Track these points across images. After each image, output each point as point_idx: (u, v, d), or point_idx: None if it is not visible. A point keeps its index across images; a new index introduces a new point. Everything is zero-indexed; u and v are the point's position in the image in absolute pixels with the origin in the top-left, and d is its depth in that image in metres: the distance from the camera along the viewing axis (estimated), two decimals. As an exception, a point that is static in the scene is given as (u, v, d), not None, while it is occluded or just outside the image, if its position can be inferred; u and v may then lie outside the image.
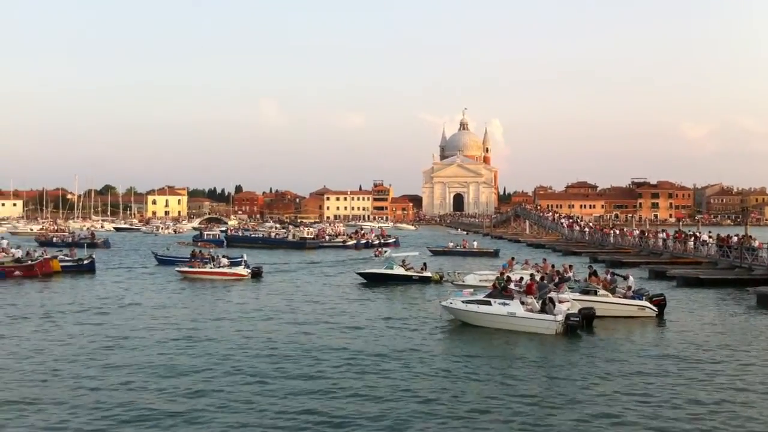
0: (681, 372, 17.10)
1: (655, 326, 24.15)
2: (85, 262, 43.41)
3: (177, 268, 40.66)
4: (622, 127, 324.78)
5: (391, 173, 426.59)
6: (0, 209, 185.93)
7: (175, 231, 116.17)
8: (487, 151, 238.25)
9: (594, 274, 28.73)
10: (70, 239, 73.84)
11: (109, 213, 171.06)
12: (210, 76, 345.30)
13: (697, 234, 47.86)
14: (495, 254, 60.83)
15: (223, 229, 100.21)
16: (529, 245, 75.41)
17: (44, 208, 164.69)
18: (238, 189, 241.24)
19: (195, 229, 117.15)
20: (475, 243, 68.44)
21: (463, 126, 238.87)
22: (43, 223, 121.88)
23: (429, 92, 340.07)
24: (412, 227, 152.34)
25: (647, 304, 25.65)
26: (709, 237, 45.21)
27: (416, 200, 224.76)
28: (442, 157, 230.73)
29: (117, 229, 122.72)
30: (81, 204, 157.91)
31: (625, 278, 28.15)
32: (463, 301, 23.74)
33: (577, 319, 21.99)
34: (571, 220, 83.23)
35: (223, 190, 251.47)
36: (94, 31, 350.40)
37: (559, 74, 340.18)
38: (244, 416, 13.33)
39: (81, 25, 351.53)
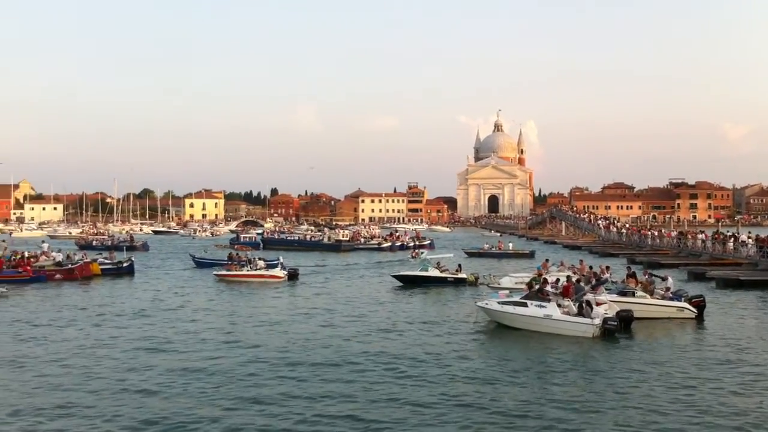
0: (722, 376, 16.83)
1: (695, 328, 23.84)
2: (125, 264, 44.05)
3: (215, 272, 41.08)
4: (660, 127, 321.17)
5: (426, 175, 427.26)
6: (41, 213, 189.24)
7: (212, 234, 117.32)
8: (521, 152, 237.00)
9: (632, 275, 28.47)
10: (109, 242, 74.92)
11: (147, 216, 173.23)
12: (246, 81, 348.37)
13: (737, 235, 47.13)
14: (531, 256, 60.46)
15: (260, 231, 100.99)
16: (565, 247, 74.80)
17: (84, 211, 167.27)
18: (274, 192, 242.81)
19: (232, 231, 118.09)
20: (510, 244, 68.13)
21: (497, 127, 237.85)
22: (83, 226, 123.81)
23: (463, 94, 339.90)
24: (447, 229, 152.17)
25: (686, 305, 25.34)
26: (749, 238, 44.50)
27: (451, 202, 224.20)
28: (477, 158, 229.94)
29: (155, 232, 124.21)
30: (120, 207, 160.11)
31: (664, 279, 27.86)
32: (498, 302, 23.67)
33: (615, 323, 21.75)
34: (607, 222, 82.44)
35: (259, 193, 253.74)
36: (134, 37, 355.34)
37: (595, 74, 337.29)
38: (283, 421, 13.37)
39: (120, 31, 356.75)
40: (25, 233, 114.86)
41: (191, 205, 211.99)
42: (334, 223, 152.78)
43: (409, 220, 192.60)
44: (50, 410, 13.96)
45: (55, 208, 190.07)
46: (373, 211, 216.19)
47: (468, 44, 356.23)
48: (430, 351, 19.60)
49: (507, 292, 25.94)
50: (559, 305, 22.55)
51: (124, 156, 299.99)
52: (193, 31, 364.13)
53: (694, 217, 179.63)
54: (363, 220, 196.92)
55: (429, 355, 18.98)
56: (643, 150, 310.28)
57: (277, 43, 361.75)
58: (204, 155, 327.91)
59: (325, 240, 77.88)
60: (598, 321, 21.56)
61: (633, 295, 25.60)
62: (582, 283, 25.90)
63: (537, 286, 24.45)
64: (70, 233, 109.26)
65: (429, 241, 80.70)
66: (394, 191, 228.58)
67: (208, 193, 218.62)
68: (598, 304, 22.74)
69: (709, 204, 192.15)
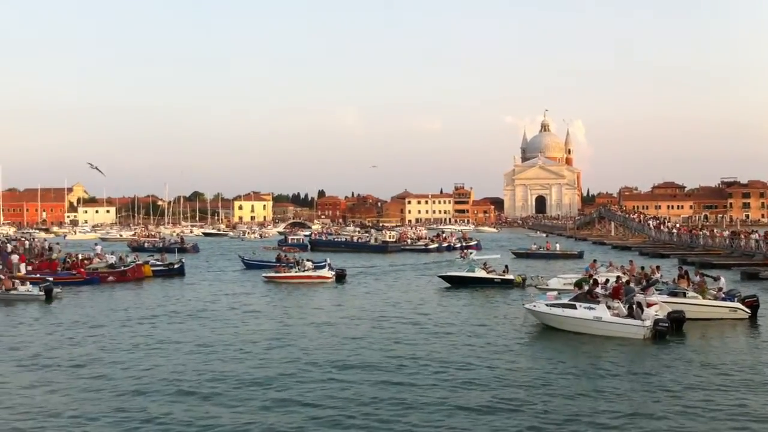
0: (778, 378, 16.48)
1: (748, 329, 23.40)
2: (175, 266, 44.83)
3: (263, 274, 41.56)
4: (711, 126, 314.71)
5: (472, 176, 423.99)
6: (94, 216, 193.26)
7: (260, 235, 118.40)
8: (569, 152, 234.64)
9: (684, 275, 28.05)
10: (160, 244, 76.04)
11: (197, 218, 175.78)
12: (292, 84, 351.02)
13: (792, 234, 46.12)
14: (579, 256, 59.77)
15: (307, 233, 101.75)
16: (614, 247, 73.87)
17: (136, 214, 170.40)
18: (321, 194, 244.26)
19: (280, 233, 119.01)
20: (558, 245, 67.54)
21: (544, 127, 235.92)
22: (135, 229, 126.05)
23: (509, 94, 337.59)
24: (494, 230, 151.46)
25: (739, 305, 24.85)
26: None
27: (498, 203, 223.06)
28: (524, 159, 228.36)
29: (205, 234, 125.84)
30: (171, 210, 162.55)
31: (716, 279, 27.42)
32: (547, 305, 23.46)
33: (666, 324, 21.44)
34: (658, 222, 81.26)
35: (306, 195, 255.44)
36: (180, 41, 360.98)
37: (643, 73, 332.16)
38: (334, 424, 13.43)
39: (168, 37, 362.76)
40: (79, 236, 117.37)
41: (240, 208, 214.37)
42: (380, 224, 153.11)
43: (456, 221, 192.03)
44: (107, 411, 14.19)
45: (107, 211, 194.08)
46: (419, 212, 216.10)
47: (513, 44, 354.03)
48: (479, 354, 19.51)
49: (555, 293, 25.76)
50: (608, 307, 22.30)
51: (175, 160, 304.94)
52: (237, 35, 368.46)
53: (747, 216, 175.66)
54: (409, 221, 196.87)
55: (477, 358, 18.90)
56: (694, 148, 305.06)
57: (323, 45, 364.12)
58: (252, 158, 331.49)
59: (372, 241, 78.11)
60: (648, 322, 21.28)
61: (684, 295, 25.22)
62: (632, 284, 25.61)
63: (586, 287, 24.24)
64: (120, 235, 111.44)
65: (476, 242, 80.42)
66: (441, 192, 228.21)
67: (257, 196, 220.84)
68: (648, 305, 22.49)
69: (762, 203, 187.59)
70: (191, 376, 16.99)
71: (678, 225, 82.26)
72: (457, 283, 37.15)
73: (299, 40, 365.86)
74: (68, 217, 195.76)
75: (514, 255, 62.83)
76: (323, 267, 41.35)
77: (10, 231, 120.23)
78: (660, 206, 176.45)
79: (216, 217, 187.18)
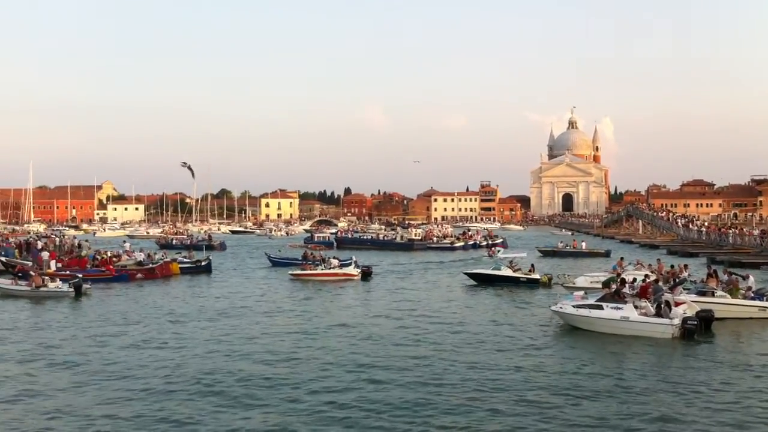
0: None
1: (779, 328, 23.13)
2: (203, 263, 45.17)
3: (290, 272, 41.72)
4: (741, 123, 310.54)
5: (498, 174, 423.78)
6: (123, 213, 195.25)
7: (287, 233, 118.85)
8: (597, 149, 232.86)
9: (713, 274, 27.75)
10: (188, 242, 76.76)
11: (225, 216, 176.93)
12: (317, 82, 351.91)
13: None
14: (606, 255, 59.25)
15: (333, 231, 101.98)
16: (642, 246, 73.29)
17: (164, 211, 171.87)
18: (347, 191, 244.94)
19: (306, 231, 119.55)
20: (584, 243, 67.08)
21: (571, 125, 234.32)
22: (164, 226, 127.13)
23: (535, 92, 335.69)
24: (520, 228, 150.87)
25: (769, 305, 24.60)
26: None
27: (524, 201, 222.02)
28: (550, 156, 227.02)
29: (233, 232, 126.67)
30: (198, 208, 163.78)
31: (745, 278, 27.10)
32: (573, 306, 23.23)
33: (695, 322, 21.26)
34: (686, 220, 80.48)
35: (332, 193, 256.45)
36: (207, 41, 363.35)
37: (672, 69, 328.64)
38: (362, 427, 13.37)
39: (195, 35, 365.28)
40: (108, 233, 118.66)
41: (267, 205, 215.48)
42: (406, 222, 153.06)
43: (482, 219, 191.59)
44: (137, 411, 14.21)
45: (136, 209, 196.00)
46: (445, 210, 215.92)
47: (539, 41, 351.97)
48: (505, 355, 19.28)
49: (582, 293, 25.53)
50: (635, 306, 22.13)
51: (203, 157, 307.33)
52: (264, 33, 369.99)
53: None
54: (435, 219, 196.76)
55: (504, 359, 18.71)
56: (724, 146, 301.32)
57: (349, 43, 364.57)
58: (279, 156, 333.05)
59: (398, 239, 78.15)
60: (677, 321, 21.10)
61: (713, 294, 24.96)
62: (660, 283, 25.39)
63: (614, 287, 24.04)
64: (147, 233, 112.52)
65: (501, 240, 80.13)
66: (467, 190, 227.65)
67: (283, 193, 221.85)
68: (677, 304, 22.29)
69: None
70: (220, 375, 16.88)
71: (707, 223, 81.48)
72: (482, 280, 37.07)
73: (326, 37, 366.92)
74: (98, 214, 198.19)
75: (540, 253, 62.56)
76: (349, 265, 41.45)
77: (41, 228, 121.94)
78: (689, 204, 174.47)
79: (243, 215, 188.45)
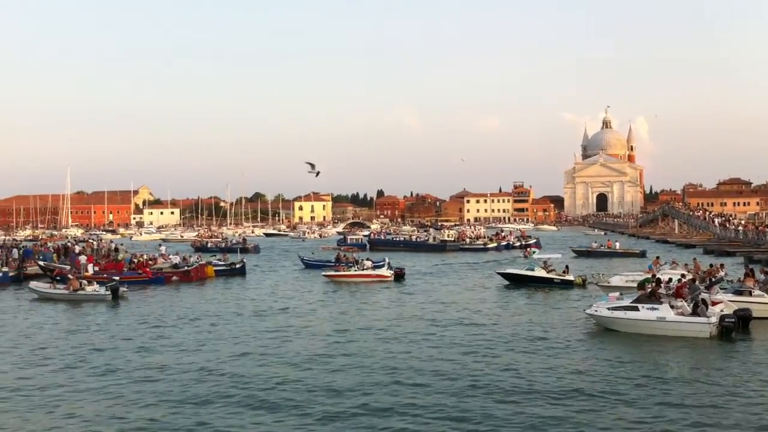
0: None
1: (819, 328, 22.69)
2: (237, 266, 45.50)
3: (323, 273, 41.93)
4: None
5: (532, 174, 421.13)
6: (159, 217, 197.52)
7: (320, 235, 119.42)
8: (631, 149, 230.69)
9: (750, 273, 27.35)
10: (223, 245, 77.37)
11: (259, 219, 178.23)
12: (351, 84, 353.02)
13: None
14: (641, 255, 58.41)
15: (366, 233, 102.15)
16: (678, 245, 72.40)
17: (199, 215, 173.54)
18: (380, 193, 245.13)
19: (339, 233, 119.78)
20: (617, 244, 66.42)
21: (605, 124, 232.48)
22: (199, 230, 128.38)
23: (568, 92, 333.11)
24: (554, 228, 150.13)
25: (808, 305, 24.13)
26: None
27: (558, 201, 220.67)
28: (584, 156, 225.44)
29: (266, 235, 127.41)
30: (233, 211, 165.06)
31: (782, 278, 26.68)
32: (608, 308, 22.93)
33: (733, 320, 21.01)
34: (723, 219, 79.37)
35: (365, 195, 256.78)
36: (238, 46, 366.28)
37: (708, 66, 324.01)
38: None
39: (227, 39, 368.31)
40: (144, 237, 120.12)
41: (300, 208, 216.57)
42: (439, 223, 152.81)
43: (515, 220, 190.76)
44: (174, 418, 14.27)
45: (172, 213, 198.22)
46: (478, 211, 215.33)
47: (572, 40, 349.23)
48: (541, 359, 18.97)
49: (617, 294, 25.23)
50: (672, 306, 21.87)
51: (237, 161, 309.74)
52: (297, 36, 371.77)
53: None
54: (468, 220, 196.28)
55: (539, 363, 18.44)
56: (761, 144, 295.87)
57: (381, 45, 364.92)
58: (312, 159, 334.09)
59: (431, 240, 78.04)
60: (714, 320, 20.85)
61: (750, 294, 24.57)
62: (696, 283, 25.08)
63: (649, 287, 23.77)
64: (182, 236, 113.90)
65: (534, 240, 79.69)
66: (500, 191, 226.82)
67: (316, 196, 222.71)
68: (713, 304, 22.03)
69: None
70: (256, 379, 16.75)
71: (744, 222, 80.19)
72: (516, 281, 36.89)
73: (358, 40, 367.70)
74: (134, 218, 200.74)
75: (574, 253, 62.13)
76: (382, 266, 41.50)
77: (78, 233, 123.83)
78: (725, 203, 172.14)
79: (277, 218, 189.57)
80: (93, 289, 32.40)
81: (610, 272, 38.31)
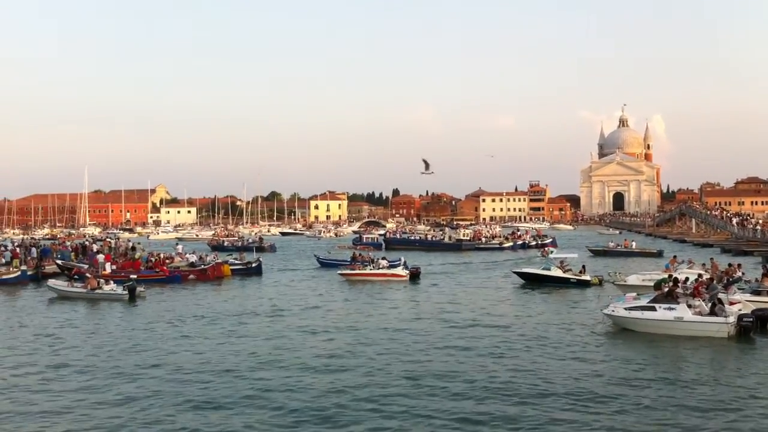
0: None
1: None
2: (253, 265, 45.63)
3: (339, 271, 42.01)
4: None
5: (548, 173, 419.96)
6: (176, 216, 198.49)
7: (336, 234, 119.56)
8: (648, 147, 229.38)
9: (768, 273, 27.16)
10: (239, 243, 77.56)
11: (275, 218, 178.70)
12: (366, 83, 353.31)
13: None
14: (658, 255, 57.89)
15: (382, 232, 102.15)
16: (695, 245, 72.00)
17: (216, 214, 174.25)
18: (395, 192, 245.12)
19: (355, 232, 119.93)
20: (633, 243, 66.07)
21: (622, 123, 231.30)
22: (215, 228, 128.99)
23: (584, 90, 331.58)
24: (570, 227, 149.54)
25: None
26: None
27: (574, 200, 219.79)
28: (601, 155, 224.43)
29: (282, 234, 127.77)
30: (249, 210, 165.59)
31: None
32: (625, 308, 22.81)
33: (751, 320, 20.86)
34: (741, 218, 78.83)
35: (380, 194, 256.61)
36: (255, 43, 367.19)
37: (726, 64, 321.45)
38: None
39: (247, 39, 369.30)
40: (162, 236, 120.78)
41: (316, 207, 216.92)
42: (455, 222, 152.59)
43: (531, 219, 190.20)
44: (191, 419, 14.29)
45: (189, 212, 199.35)
46: (494, 210, 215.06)
47: (588, 38, 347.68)
48: (558, 362, 18.72)
49: (634, 294, 25.11)
50: (689, 305, 21.75)
51: (253, 161, 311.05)
52: (313, 35, 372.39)
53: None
54: (484, 219, 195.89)
55: (556, 363, 18.33)
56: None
57: (396, 43, 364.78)
58: (328, 158, 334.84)
59: (446, 240, 77.94)
60: (732, 319, 20.72)
61: (768, 293, 24.44)
62: (714, 282, 24.94)
63: (666, 287, 23.65)
64: (197, 235, 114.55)
65: (551, 239, 79.44)
66: (515, 190, 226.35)
67: (332, 195, 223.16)
68: (731, 304, 21.90)
69: None
70: (274, 383, 16.51)
71: (762, 221, 79.58)
72: (532, 280, 36.80)
73: (373, 38, 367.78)
74: (151, 217, 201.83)
75: (590, 253, 61.87)
76: (398, 266, 41.49)
77: (96, 231, 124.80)
78: (743, 202, 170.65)
79: (293, 217, 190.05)
80: (110, 288, 32.58)
81: (626, 272, 38.11)
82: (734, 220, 77.91)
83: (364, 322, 25.55)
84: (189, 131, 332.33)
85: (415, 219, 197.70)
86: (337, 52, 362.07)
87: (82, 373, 17.90)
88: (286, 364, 18.45)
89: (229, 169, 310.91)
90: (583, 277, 36.03)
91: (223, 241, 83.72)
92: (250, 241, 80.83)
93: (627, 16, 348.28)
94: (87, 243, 58.20)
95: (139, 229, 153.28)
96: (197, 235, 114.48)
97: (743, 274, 29.64)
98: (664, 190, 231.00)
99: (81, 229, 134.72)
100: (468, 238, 78.65)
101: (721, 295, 22.10)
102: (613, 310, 23.14)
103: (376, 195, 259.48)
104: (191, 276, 40.87)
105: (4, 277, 39.83)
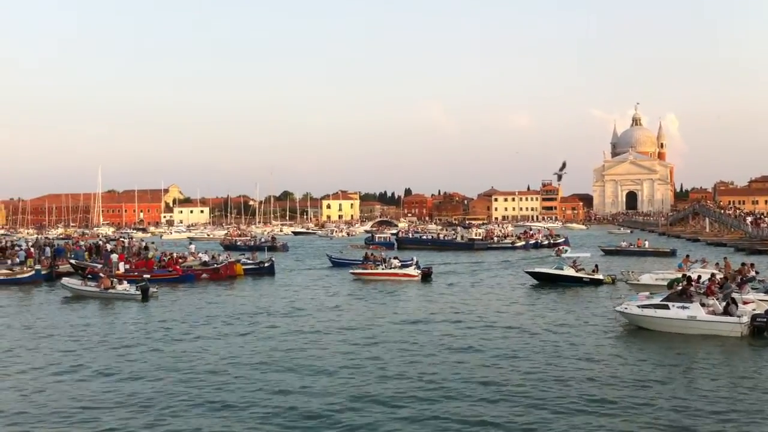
0: None
1: None
2: (266, 264, 45.71)
3: (351, 270, 42.06)
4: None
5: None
6: (189, 216, 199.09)
7: (348, 234, 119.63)
8: (661, 146, 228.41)
9: (783, 273, 27.02)
10: (252, 243, 77.77)
11: (287, 218, 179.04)
12: (378, 82, 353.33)
13: None
14: (671, 254, 57.63)
15: (394, 231, 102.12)
16: (709, 244, 71.64)
17: (229, 214, 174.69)
18: (408, 192, 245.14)
19: (367, 232, 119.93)
20: (646, 242, 65.80)
21: (635, 121, 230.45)
22: (228, 228, 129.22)
23: (597, 89, 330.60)
24: (583, 227, 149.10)
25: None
26: None
27: (587, 199, 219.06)
28: (614, 154, 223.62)
29: (295, 233, 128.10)
30: (262, 210, 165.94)
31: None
32: (638, 306, 22.79)
33: (764, 319, 20.73)
34: (755, 217, 78.34)
35: (393, 194, 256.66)
36: (267, 43, 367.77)
37: (740, 64, 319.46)
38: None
39: (258, 38, 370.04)
40: (175, 235, 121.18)
41: (328, 207, 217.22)
42: (467, 222, 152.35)
43: (543, 218, 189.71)
44: (208, 408, 14.49)
45: (201, 211, 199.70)
46: (506, 209, 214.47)
47: (601, 37, 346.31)
48: (571, 360, 18.73)
49: (647, 293, 25.05)
50: (703, 304, 21.67)
51: (265, 160, 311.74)
52: (322, 35, 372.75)
53: None
54: (496, 218, 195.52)
55: (570, 363, 18.31)
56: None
57: (406, 42, 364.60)
58: (340, 158, 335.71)
59: (459, 239, 77.84)
60: (745, 319, 20.63)
61: (781, 293, 24.29)
62: (728, 281, 24.84)
63: (680, 287, 23.56)
64: (208, 235, 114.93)
65: (563, 239, 79.23)
66: (528, 189, 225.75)
67: (344, 195, 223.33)
68: (745, 303, 21.80)
69: None
70: (287, 384, 16.43)
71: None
72: (545, 280, 36.73)
73: (385, 36, 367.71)
74: (164, 217, 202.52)
75: (603, 252, 61.67)
76: (410, 265, 41.50)
77: (109, 231, 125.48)
78: (757, 201, 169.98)
79: (305, 216, 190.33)
80: (123, 288, 32.73)
81: (639, 271, 37.94)
82: (748, 219, 77.37)
83: (376, 322, 25.49)
84: (202, 131, 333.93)
85: (427, 218, 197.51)
86: (346, 51, 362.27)
87: (97, 373, 17.92)
88: (299, 365, 18.43)
89: (241, 169, 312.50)
90: (596, 276, 35.98)
91: (236, 241, 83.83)
92: (263, 240, 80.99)
93: (642, 15, 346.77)
94: (101, 243, 58.54)
95: (152, 228, 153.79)
96: (209, 235, 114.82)
97: (757, 273, 29.52)
98: (678, 189, 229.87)
99: (95, 228, 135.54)
100: (480, 237, 78.50)
101: (734, 295, 22.00)
102: (626, 308, 23.12)
103: (388, 194, 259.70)
104: (204, 275, 41.04)
105: (19, 276, 40.12)
